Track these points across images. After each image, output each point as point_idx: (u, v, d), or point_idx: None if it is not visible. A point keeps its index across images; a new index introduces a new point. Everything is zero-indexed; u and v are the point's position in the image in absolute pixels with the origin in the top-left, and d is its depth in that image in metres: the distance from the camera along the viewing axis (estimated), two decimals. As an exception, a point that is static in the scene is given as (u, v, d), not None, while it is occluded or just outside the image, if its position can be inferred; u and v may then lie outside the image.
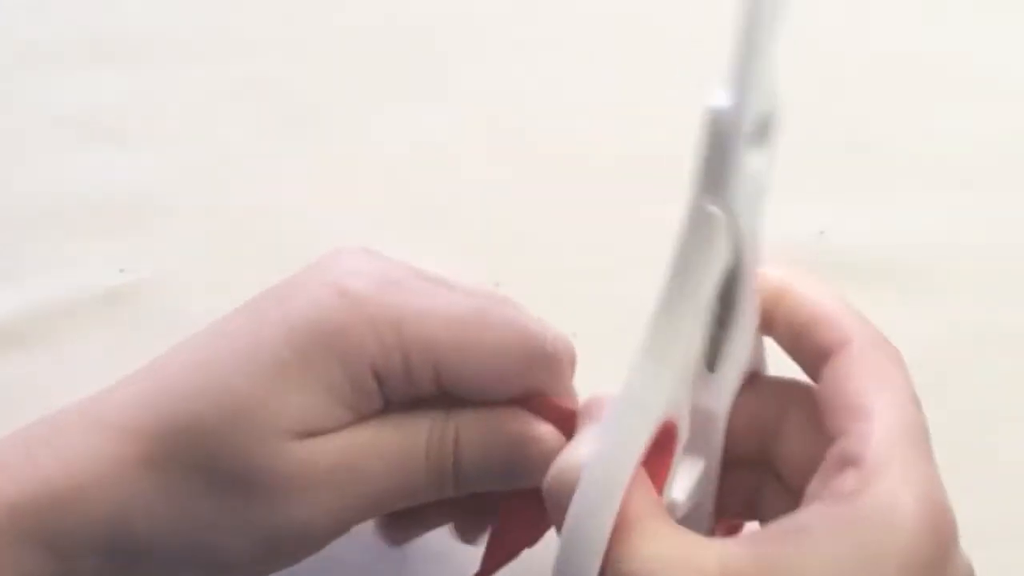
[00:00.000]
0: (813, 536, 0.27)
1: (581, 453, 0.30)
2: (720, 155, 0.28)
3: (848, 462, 0.28)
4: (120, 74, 0.52)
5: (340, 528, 0.34)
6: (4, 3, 0.53)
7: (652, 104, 0.52)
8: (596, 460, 0.28)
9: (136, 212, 0.49)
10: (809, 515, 0.28)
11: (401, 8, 0.53)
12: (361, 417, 0.34)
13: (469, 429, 0.35)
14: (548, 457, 0.31)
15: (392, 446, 0.34)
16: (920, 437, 0.30)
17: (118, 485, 0.33)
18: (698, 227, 0.28)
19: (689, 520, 0.32)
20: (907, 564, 0.27)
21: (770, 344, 0.34)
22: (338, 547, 0.36)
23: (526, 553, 0.36)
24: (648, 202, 0.50)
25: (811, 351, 0.32)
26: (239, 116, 0.51)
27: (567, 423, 0.34)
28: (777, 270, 0.33)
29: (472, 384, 0.34)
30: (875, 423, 0.29)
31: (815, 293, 0.33)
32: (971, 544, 0.45)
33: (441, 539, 0.40)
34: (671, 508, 0.31)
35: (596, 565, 0.27)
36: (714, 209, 0.28)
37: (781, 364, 0.33)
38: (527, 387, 0.35)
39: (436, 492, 0.35)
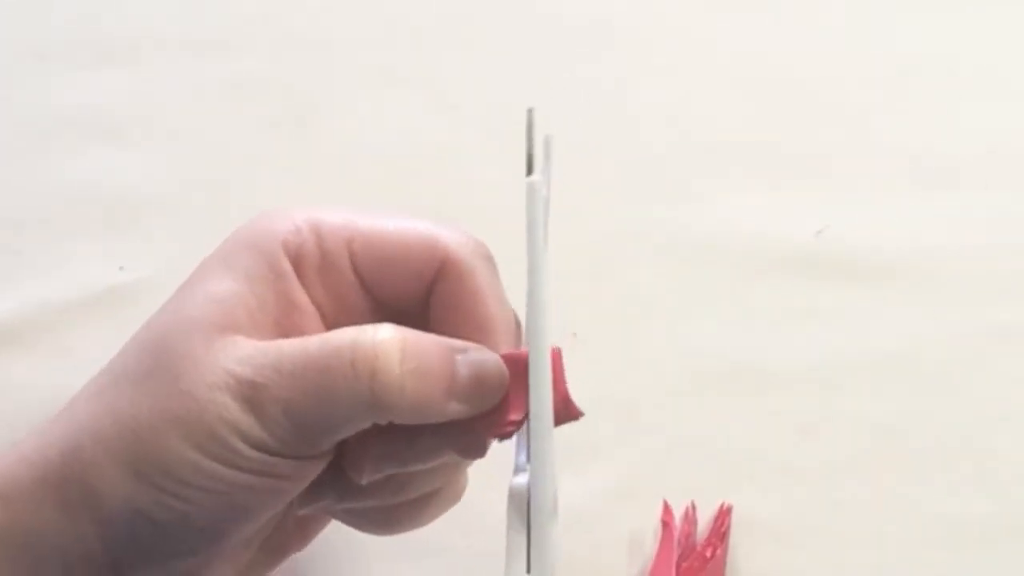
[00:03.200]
0: None
1: None
2: (536, 536, 0.33)
3: None
4: (120, 74, 0.52)
5: (268, 444, 0.33)
6: (4, 3, 0.53)
7: (652, 103, 0.52)
8: None
9: (136, 212, 0.49)
10: None
11: (401, 8, 0.53)
12: (290, 307, 0.35)
13: (417, 343, 0.34)
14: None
15: (316, 350, 0.34)
16: None
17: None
18: None
19: None
20: None
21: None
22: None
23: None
24: (648, 201, 0.50)
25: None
26: (239, 116, 0.51)
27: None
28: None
29: (387, 266, 0.36)
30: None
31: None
32: (971, 544, 0.45)
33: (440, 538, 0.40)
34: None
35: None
36: None
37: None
38: (441, 269, 0.36)
39: (370, 404, 0.34)
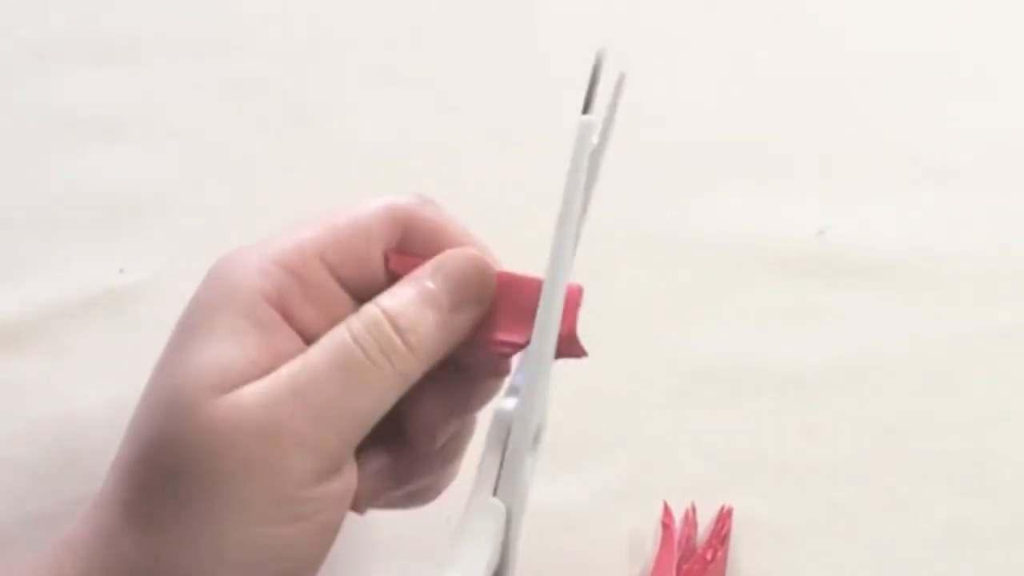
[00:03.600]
0: None
1: None
2: (510, 460, 0.33)
3: None
4: (120, 74, 0.52)
5: (328, 464, 0.33)
6: (4, 3, 0.53)
7: (652, 103, 0.52)
8: None
9: (136, 212, 0.49)
10: None
11: (401, 8, 0.53)
12: (285, 355, 0.34)
13: (394, 297, 0.35)
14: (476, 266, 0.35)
15: (320, 358, 0.34)
16: None
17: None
18: (483, 517, 0.33)
19: None
20: None
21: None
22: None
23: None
24: (649, 201, 0.50)
25: None
26: (239, 116, 0.51)
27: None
28: None
29: (360, 259, 0.36)
30: None
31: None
32: (971, 544, 0.45)
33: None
34: None
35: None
36: (496, 502, 0.33)
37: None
38: (405, 233, 0.36)
39: (396, 376, 0.34)
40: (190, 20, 0.53)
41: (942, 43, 0.53)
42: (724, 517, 0.44)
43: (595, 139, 0.34)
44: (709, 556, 0.43)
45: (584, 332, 0.47)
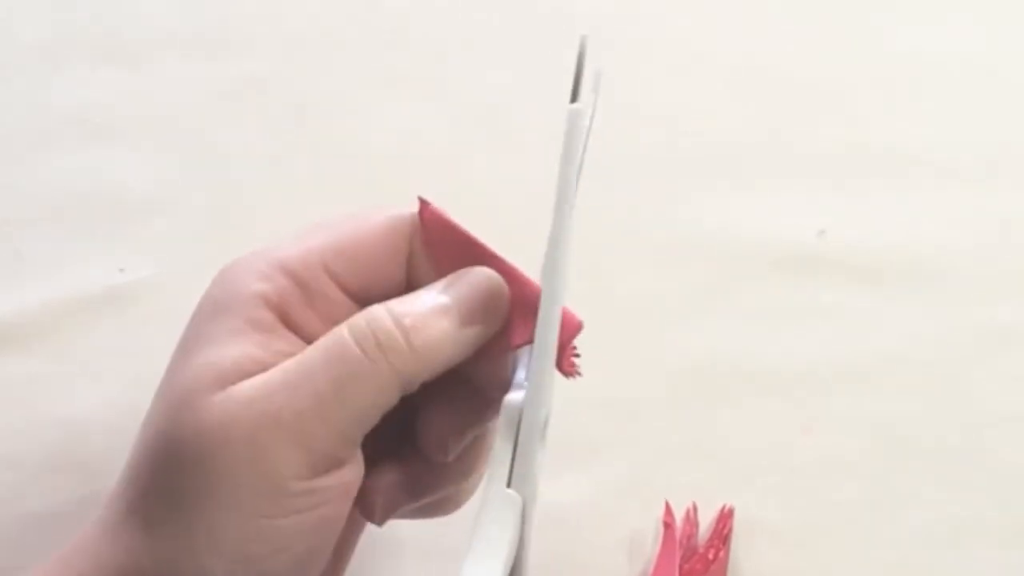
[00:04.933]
0: None
1: None
2: (522, 452, 0.34)
3: None
4: (120, 74, 0.52)
5: (322, 458, 0.33)
6: (4, 3, 0.53)
7: (652, 103, 0.52)
8: None
9: (136, 212, 0.49)
10: None
11: (402, 8, 0.53)
12: (283, 355, 0.34)
13: (403, 302, 0.35)
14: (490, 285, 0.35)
15: (315, 352, 0.34)
16: None
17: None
18: (501, 508, 0.34)
19: None
20: None
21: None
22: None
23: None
24: (649, 202, 0.50)
25: None
26: (239, 116, 0.51)
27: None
28: None
29: (364, 267, 0.36)
30: None
31: None
32: (971, 544, 0.45)
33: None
34: None
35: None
36: (512, 493, 0.34)
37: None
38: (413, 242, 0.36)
39: (392, 373, 0.34)
40: (190, 20, 0.53)
41: (942, 43, 0.53)
42: (726, 517, 0.44)
43: (586, 123, 0.34)
44: (711, 556, 0.43)
45: (585, 331, 0.47)
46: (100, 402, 0.46)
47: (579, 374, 0.36)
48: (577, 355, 0.36)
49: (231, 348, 0.34)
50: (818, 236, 0.49)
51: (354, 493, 0.35)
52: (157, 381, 0.37)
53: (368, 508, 0.37)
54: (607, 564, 0.45)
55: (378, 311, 0.34)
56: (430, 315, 0.35)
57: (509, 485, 0.34)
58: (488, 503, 0.34)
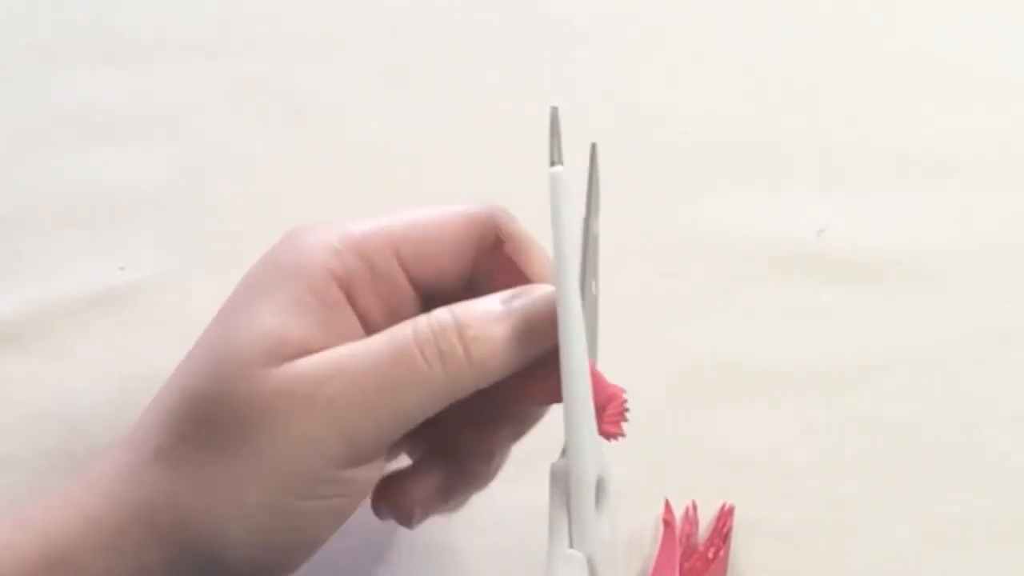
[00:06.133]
0: None
1: None
2: (576, 516, 0.34)
3: None
4: (120, 74, 0.52)
5: (360, 452, 0.34)
6: (4, 3, 0.53)
7: (652, 103, 0.52)
8: None
9: (136, 212, 0.49)
10: None
11: (402, 8, 0.53)
12: (344, 336, 0.34)
13: (468, 308, 0.35)
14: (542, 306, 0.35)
15: (377, 346, 0.34)
16: None
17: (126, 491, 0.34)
18: (562, 568, 0.34)
19: None
20: None
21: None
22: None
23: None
24: (649, 202, 0.50)
25: None
26: (239, 115, 0.51)
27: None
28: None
29: (434, 259, 0.36)
30: None
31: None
32: (972, 544, 0.45)
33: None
34: None
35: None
36: (574, 552, 0.34)
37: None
38: (484, 239, 0.37)
39: (446, 382, 0.34)
40: (190, 20, 0.53)
41: (942, 43, 0.53)
42: (725, 515, 0.44)
43: (568, 185, 0.35)
44: (711, 554, 0.43)
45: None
46: (100, 402, 0.46)
47: (623, 435, 0.35)
48: (626, 418, 0.36)
49: (294, 320, 0.34)
50: (818, 236, 0.49)
51: (370, 491, 0.35)
52: (157, 381, 0.37)
53: (405, 514, 0.37)
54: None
55: (444, 317, 0.34)
56: (491, 325, 0.34)
57: (571, 546, 0.34)
58: (552, 566, 0.34)
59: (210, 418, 0.34)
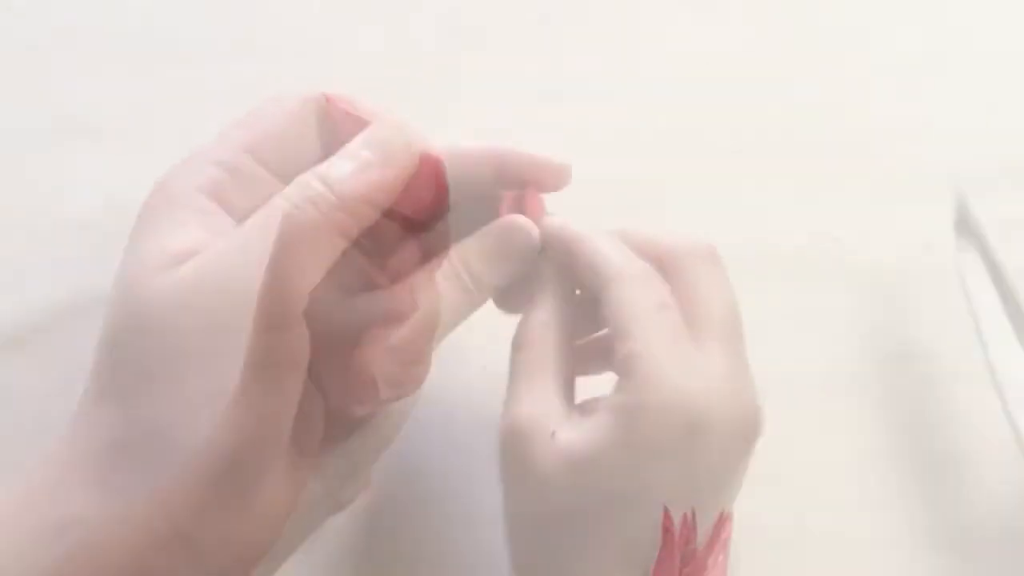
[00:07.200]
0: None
1: None
2: None
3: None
4: (120, 74, 0.52)
5: (273, 313, 0.34)
6: (4, 3, 0.53)
7: (651, 103, 0.52)
8: None
9: (136, 212, 0.49)
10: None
11: (401, 8, 0.53)
12: (225, 234, 0.36)
13: (326, 163, 0.37)
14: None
15: (252, 219, 0.35)
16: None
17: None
18: None
19: None
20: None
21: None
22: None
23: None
24: (648, 202, 0.50)
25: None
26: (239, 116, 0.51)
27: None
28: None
29: (284, 145, 0.38)
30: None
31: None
32: (972, 545, 0.45)
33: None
34: None
35: None
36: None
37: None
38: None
39: (327, 223, 0.35)
40: (190, 20, 0.53)
41: (941, 42, 0.53)
42: (724, 522, 0.44)
43: None
44: (710, 562, 0.43)
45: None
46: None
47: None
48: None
49: (179, 234, 0.36)
50: (819, 236, 0.49)
51: (303, 366, 0.35)
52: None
53: (366, 386, 0.37)
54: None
55: (303, 176, 0.36)
56: (350, 165, 0.36)
57: None
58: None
59: (128, 338, 0.35)
